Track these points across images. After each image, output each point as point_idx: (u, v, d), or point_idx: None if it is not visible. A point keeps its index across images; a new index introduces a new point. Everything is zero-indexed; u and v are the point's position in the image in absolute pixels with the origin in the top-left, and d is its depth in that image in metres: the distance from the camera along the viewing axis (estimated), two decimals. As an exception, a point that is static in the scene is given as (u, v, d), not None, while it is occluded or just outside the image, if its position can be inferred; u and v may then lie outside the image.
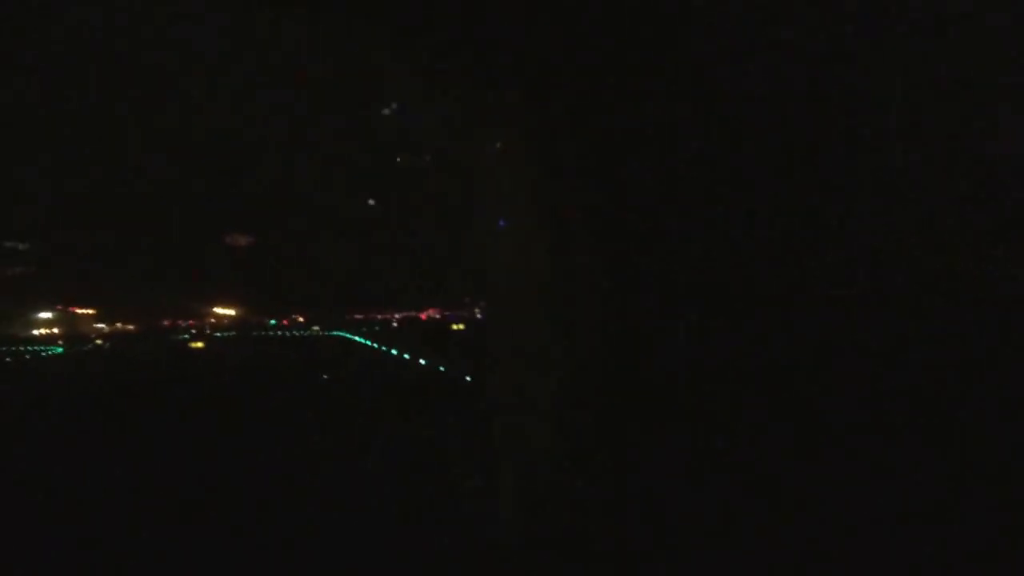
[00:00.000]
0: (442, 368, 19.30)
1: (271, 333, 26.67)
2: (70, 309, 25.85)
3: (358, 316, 26.30)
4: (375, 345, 23.78)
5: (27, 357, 23.48)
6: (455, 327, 25.95)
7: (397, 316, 25.83)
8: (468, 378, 17.29)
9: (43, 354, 23.92)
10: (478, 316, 26.68)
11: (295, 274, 25.66)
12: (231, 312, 27.11)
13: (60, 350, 24.53)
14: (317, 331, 26.48)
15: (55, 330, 25.48)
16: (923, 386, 3.89)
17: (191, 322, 26.86)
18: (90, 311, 26.10)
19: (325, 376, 19.50)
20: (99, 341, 25.57)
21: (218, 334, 26.02)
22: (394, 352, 22.14)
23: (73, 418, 14.60)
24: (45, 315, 25.41)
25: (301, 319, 27.23)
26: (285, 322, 27.13)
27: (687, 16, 4.15)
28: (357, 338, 25.06)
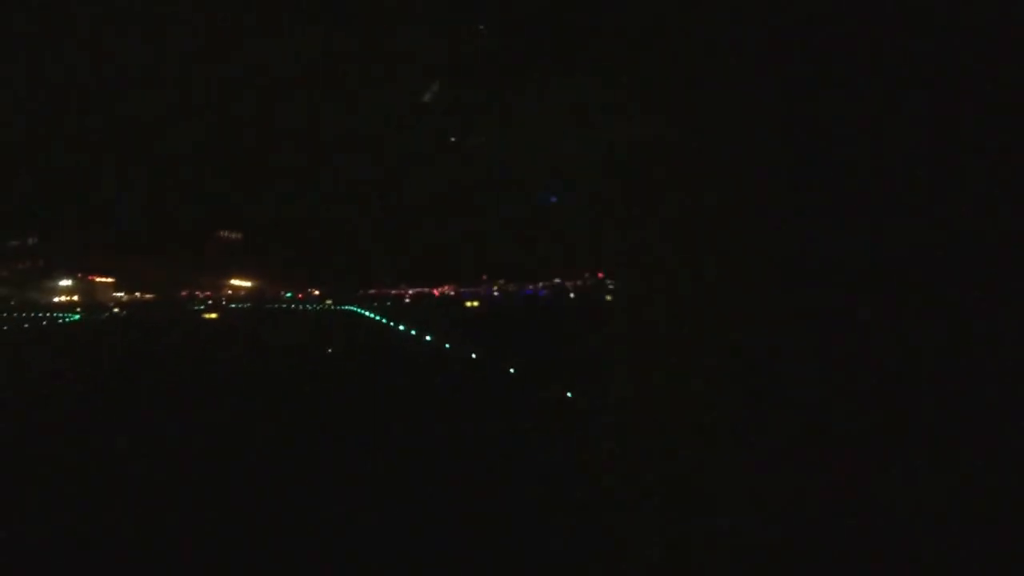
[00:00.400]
0: (447, 346, 19.21)
1: (285, 306, 26.79)
2: (89, 277, 26.11)
3: (372, 291, 26.32)
4: (383, 320, 23.85)
5: (44, 324, 23.85)
6: (469, 304, 25.80)
7: (410, 292, 25.80)
8: (473, 356, 17.14)
9: (60, 321, 24.29)
10: (495, 294, 26.49)
11: (313, 248, 25.64)
12: (248, 284, 27.22)
13: (77, 317, 24.85)
14: (330, 305, 26.59)
15: (73, 298, 25.78)
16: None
17: (208, 293, 27.02)
18: (108, 280, 26.34)
19: (329, 350, 19.53)
20: (116, 310, 25.85)
21: (233, 305, 26.17)
22: (401, 328, 22.17)
23: (85, 383, 14.74)
24: (64, 283, 25.70)
25: (316, 292, 27.28)
26: (300, 296, 27.20)
27: None
28: (367, 313, 25.13)
